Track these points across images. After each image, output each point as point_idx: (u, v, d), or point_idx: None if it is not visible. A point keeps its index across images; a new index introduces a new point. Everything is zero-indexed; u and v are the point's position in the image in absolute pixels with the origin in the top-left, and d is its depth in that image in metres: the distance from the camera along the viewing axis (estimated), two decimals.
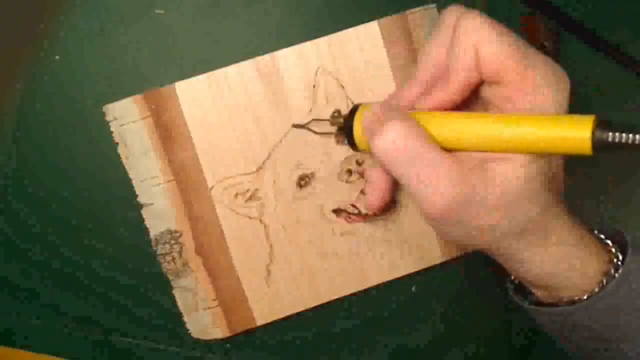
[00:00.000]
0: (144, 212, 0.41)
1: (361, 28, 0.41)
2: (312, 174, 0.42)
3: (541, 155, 0.30)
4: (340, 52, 0.41)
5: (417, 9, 0.41)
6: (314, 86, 0.41)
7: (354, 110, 0.36)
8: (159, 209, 0.41)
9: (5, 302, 0.43)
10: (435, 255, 0.43)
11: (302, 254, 0.42)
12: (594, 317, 0.34)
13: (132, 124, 0.40)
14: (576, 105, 0.44)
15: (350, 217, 0.42)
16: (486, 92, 0.32)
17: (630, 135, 0.27)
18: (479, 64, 0.31)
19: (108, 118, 0.40)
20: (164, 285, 0.42)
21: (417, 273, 0.44)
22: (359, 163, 0.42)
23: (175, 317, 0.43)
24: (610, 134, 0.27)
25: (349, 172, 0.42)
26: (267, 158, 0.41)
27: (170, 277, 0.42)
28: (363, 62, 0.41)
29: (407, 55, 0.41)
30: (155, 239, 0.42)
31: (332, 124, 0.39)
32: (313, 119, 0.41)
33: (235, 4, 0.42)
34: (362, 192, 0.42)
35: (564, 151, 0.29)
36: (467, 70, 0.31)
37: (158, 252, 0.42)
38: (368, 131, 0.33)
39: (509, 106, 0.31)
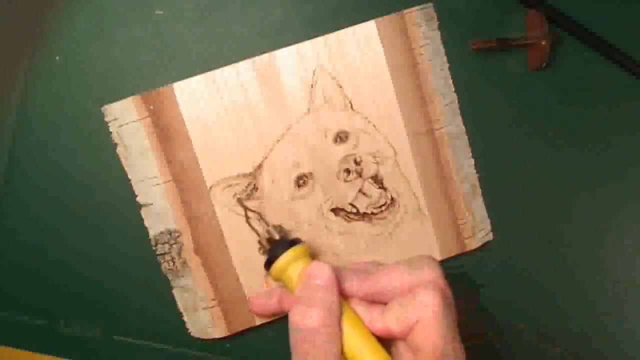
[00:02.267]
0: (143, 212, 0.41)
1: (359, 27, 0.41)
2: (311, 174, 0.42)
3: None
4: (338, 51, 0.41)
5: (414, 8, 0.41)
6: (312, 86, 0.41)
7: (288, 243, 0.38)
8: (158, 209, 0.41)
9: (5, 302, 0.43)
10: (434, 254, 0.43)
11: None
12: None
13: (131, 124, 0.40)
14: (575, 106, 0.44)
15: (348, 217, 0.42)
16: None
17: None
18: (411, 332, 0.34)
19: (107, 118, 0.41)
20: (164, 285, 0.42)
21: None
22: (357, 162, 0.42)
23: (174, 317, 0.43)
24: None
25: (347, 171, 0.42)
26: (266, 158, 0.41)
27: (170, 277, 0.42)
28: (361, 62, 0.41)
29: (404, 54, 0.41)
30: (155, 239, 0.42)
31: (263, 242, 0.41)
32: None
33: (234, 5, 0.42)
34: (361, 191, 0.42)
35: None
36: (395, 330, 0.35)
37: (157, 252, 0.42)
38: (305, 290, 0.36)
39: None
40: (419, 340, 0.34)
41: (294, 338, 0.35)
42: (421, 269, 0.36)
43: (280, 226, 0.41)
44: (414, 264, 0.36)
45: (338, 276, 0.36)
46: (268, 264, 0.38)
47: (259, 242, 0.41)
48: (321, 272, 0.36)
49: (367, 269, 0.38)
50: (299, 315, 0.35)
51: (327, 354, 0.34)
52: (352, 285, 0.36)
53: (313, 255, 0.41)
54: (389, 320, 0.35)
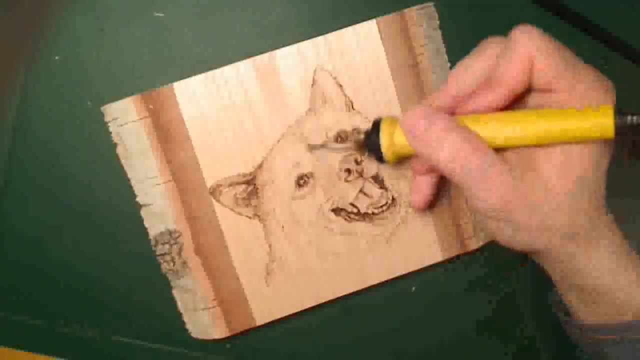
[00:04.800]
0: (143, 213, 0.41)
1: (359, 27, 0.41)
2: (311, 174, 0.42)
3: (587, 156, 0.33)
4: (339, 50, 0.41)
5: (415, 7, 0.41)
6: (312, 85, 0.41)
7: (376, 124, 0.37)
8: (158, 209, 0.41)
9: (5, 302, 0.43)
10: (435, 254, 0.43)
11: (301, 253, 0.42)
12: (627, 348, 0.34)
13: (130, 124, 0.40)
14: None
15: (349, 217, 0.42)
16: (534, 99, 0.35)
17: None
18: (532, 73, 0.33)
19: (107, 118, 0.40)
20: (164, 286, 0.42)
21: (417, 272, 0.43)
22: (357, 162, 0.42)
23: (175, 317, 0.43)
24: (629, 117, 0.31)
25: (348, 171, 0.42)
26: (266, 157, 0.41)
27: (170, 277, 0.42)
28: (361, 61, 0.41)
29: (405, 53, 0.41)
30: (155, 239, 0.42)
31: (352, 141, 0.41)
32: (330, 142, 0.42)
33: (235, 4, 0.42)
34: (362, 191, 0.42)
35: (591, 136, 0.32)
36: (519, 79, 0.33)
37: (157, 253, 0.42)
38: (420, 147, 0.34)
39: None
40: (541, 75, 0.32)
41: (451, 176, 0.34)
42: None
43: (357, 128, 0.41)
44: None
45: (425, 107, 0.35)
46: (378, 156, 0.37)
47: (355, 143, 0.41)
48: (412, 120, 0.34)
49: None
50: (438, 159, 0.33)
51: (483, 162, 0.33)
52: (439, 98, 0.36)
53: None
54: (505, 73, 0.33)
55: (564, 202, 0.33)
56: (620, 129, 0.31)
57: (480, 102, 0.34)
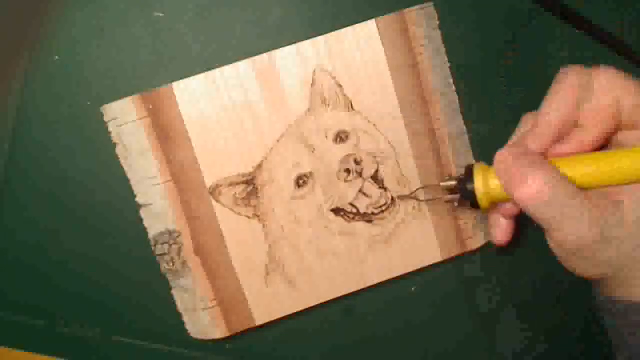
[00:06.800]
0: (143, 212, 0.41)
1: (359, 27, 0.41)
2: (311, 173, 0.42)
3: None
4: (338, 50, 0.41)
5: (414, 7, 0.41)
6: (311, 85, 0.41)
7: (469, 170, 0.37)
8: (158, 209, 0.41)
9: (5, 302, 0.43)
10: (434, 254, 0.43)
11: (300, 253, 0.42)
12: None
13: (130, 124, 0.40)
14: None
15: (348, 216, 0.42)
16: (623, 135, 0.35)
17: None
18: (619, 114, 0.34)
19: (106, 118, 0.40)
20: (163, 285, 0.42)
21: (417, 272, 0.43)
22: (357, 162, 0.42)
23: (174, 317, 0.42)
24: None
25: (348, 171, 0.42)
26: (265, 157, 0.41)
27: (169, 277, 0.42)
28: (361, 61, 0.41)
29: (404, 53, 0.41)
30: (154, 239, 0.42)
31: (443, 188, 0.40)
32: (418, 188, 0.42)
33: (235, 4, 0.42)
34: (361, 191, 0.42)
35: None
36: (607, 122, 0.34)
37: (157, 252, 0.42)
38: (507, 181, 0.35)
39: None
40: (629, 112, 0.33)
41: (533, 212, 0.34)
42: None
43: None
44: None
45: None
46: (472, 202, 0.37)
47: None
48: (503, 154, 0.35)
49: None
50: (521, 194, 0.34)
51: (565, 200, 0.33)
52: (532, 141, 0.36)
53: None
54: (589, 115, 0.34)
55: None
56: None
57: (570, 146, 0.35)
